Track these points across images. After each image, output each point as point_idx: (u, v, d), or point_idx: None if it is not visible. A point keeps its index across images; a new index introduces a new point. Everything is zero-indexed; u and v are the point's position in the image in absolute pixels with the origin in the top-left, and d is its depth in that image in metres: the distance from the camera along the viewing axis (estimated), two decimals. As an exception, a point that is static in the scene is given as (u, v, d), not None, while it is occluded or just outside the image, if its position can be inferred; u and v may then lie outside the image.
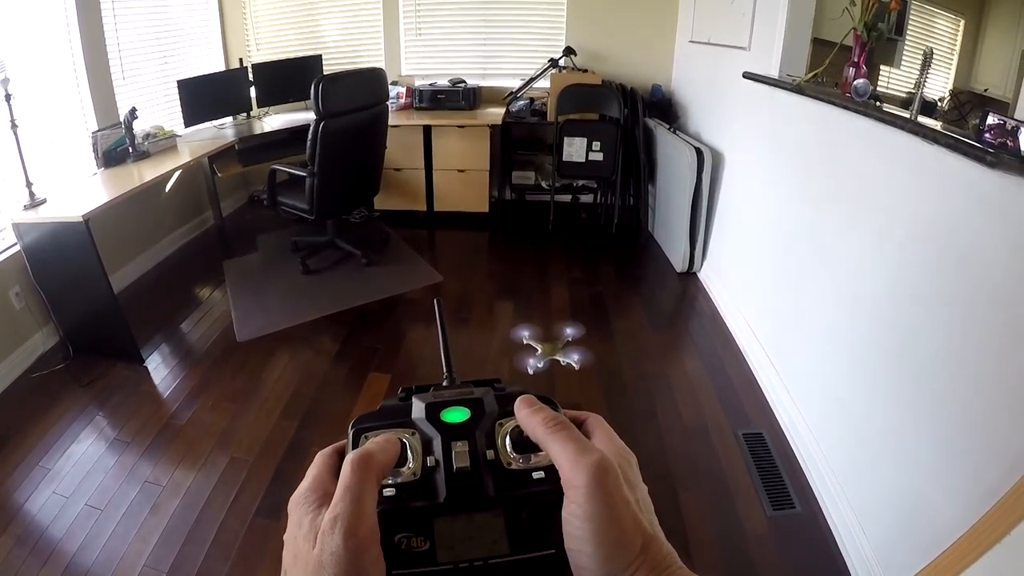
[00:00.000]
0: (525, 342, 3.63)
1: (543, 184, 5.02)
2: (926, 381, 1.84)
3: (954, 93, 3.05)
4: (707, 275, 4.04)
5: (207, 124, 4.50)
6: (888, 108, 2.20)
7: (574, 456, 0.35)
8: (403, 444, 0.39)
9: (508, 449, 0.39)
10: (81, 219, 2.81)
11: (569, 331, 3.74)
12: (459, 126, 4.71)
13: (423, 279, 4.11)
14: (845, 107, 2.35)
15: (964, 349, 1.69)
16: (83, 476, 2.45)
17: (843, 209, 2.41)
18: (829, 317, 2.46)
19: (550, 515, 0.36)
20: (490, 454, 0.39)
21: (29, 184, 2.93)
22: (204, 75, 4.46)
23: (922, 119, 1.98)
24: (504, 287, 4.10)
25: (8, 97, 2.81)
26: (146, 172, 3.52)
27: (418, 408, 0.42)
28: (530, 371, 3.32)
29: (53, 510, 2.29)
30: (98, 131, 3.57)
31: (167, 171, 3.61)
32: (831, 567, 2.10)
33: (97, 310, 3.11)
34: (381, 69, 3.99)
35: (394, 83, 4.94)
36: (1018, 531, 1.33)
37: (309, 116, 3.71)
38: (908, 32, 2.79)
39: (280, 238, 4.68)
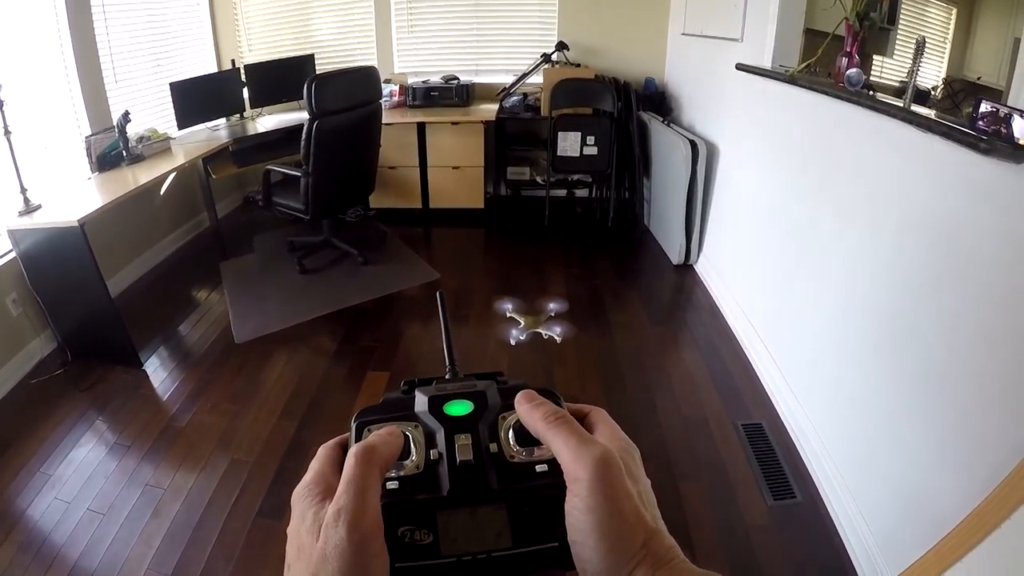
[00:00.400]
0: (508, 315, 3.66)
1: (538, 179, 5.02)
2: (923, 368, 1.84)
3: (947, 82, 3.06)
4: (703, 267, 4.05)
5: (201, 126, 4.48)
6: (881, 97, 2.20)
7: (576, 450, 0.35)
8: (406, 437, 0.39)
9: (511, 442, 0.39)
10: (77, 224, 2.81)
11: (552, 305, 3.78)
12: (453, 123, 4.71)
13: (420, 277, 4.11)
14: (838, 97, 2.35)
15: (960, 336, 1.69)
16: (84, 481, 2.45)
17: (837, 198, 2.41)
18: (826, 307, 2.47)
19: (553, 508, 0.36)
20: (493, 447, 0.39)
21: (24, 190, 2.93)
22: (197, 77, 4.45)
23: (915, 108, 1.98)
24: (501, 283, 4.10)
25: (0, 103, 2.80)
26: (140, 175, 3.52)
27: (421, 401, 0.42)
28: (512, 342, 3.38)
29: (55, 516, 2.29)
30: (91, 135, 3.56)
31: (162, 174, 3.61)
32: (832, 555, 2.11)
33: (94, 315, 3.11)
34: (374, 67, 3.98)
35: (387, 81, 4.93)
36: (1018, 515, 1.34)
37: (303, 116, 3.70)
38: (901, 21, 2.79)
39: (276, 239, 4.67)
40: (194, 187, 4.69)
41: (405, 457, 0.38)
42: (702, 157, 3.83)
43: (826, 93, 2.45)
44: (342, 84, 3.71)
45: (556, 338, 3.41)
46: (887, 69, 3.00)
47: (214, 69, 5.11)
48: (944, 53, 3.12)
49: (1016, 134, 1.46)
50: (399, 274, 4.14)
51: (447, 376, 0.48)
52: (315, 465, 0.39)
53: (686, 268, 4.19)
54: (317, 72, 4.75)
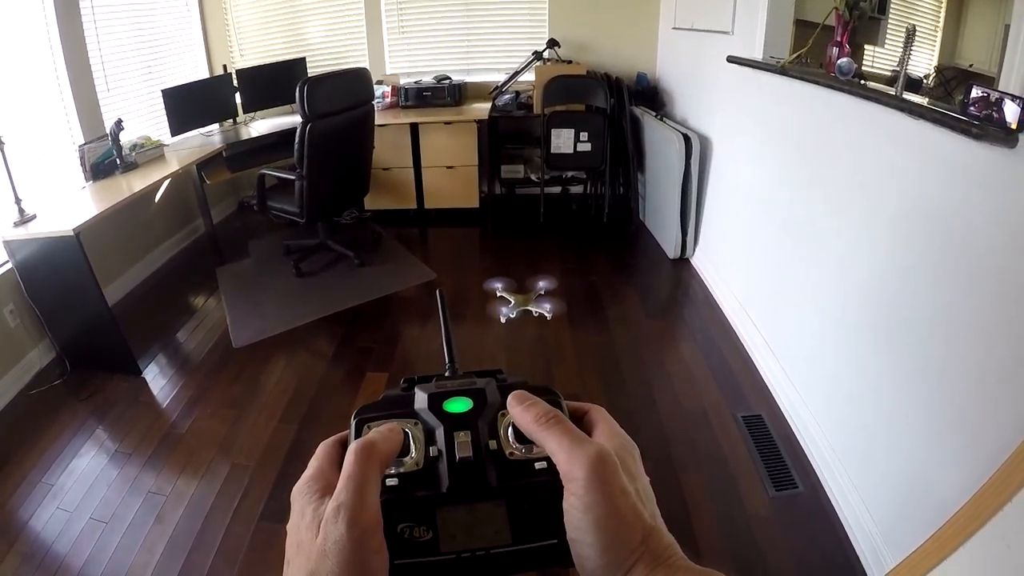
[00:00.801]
0: (498, 294, 3.68)
1: (532, 177, 5.02)
2: (921, 355, 1.85)
3: (939, 70, 3.06)
4: (700, 261, 4.05)
5: (194, 132, 4.48)
6: (873, 86, 2.20)
7: (569, 449, 0.36)
8: (406, 434, 0.39)
9: (510, 439, 0.39)
10: (72, 233, 2.80)
11: (542, 283, 3.80)
12: (446, 123, 4.71)
13: (416, 277, 4.11)
14: (830, 86, 2.35)
15: (957, 322, 1.70)
16: (86, 490, 2.45)
17: (832, 188, 2.42)
18: (823, 296, 2.47)
19: (552, 505, 0.36)
20: (492, 444, 0.39)
21: (18, 200, 2.92)
22: (188, 83, 4.44)
23: (907, 95, 1.99)
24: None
25: (-8, 114, 2.80)
26: (135, 183, 3.51)
27: (421, 398, 0.42)
28: (502, 319, 3.39)
29: (58, 525, 2.29)
30: (85, 144, 3.55)
31: (156, 181, 3.59)
32: (835, 544, 2.12)
33: (92, 324, 3.10)
34: (365, 69, 3.98)
35: (379, 82, 4.93)
36: (1019, 498, 1.34)
37: (295, 119, 3.70)
38: (891, 11, 2.79)
39: (272, 243, 4.67)
40: (189, 193, 4.69)
41: (405, 454, 0.38)
42: (696, 151, 3.84)
43: (817, 83, 2.45)
44: (334, 86, 3.71)
45: (546, 315, 3.46)
46: (879, 58, 3.00)
47: (206, 75, 5.11)
48: (935, 41, 3.12)
49: (1008, 118, 1.47)
50: (395, 275, 4.14)
51: (447, 374, 0.48)
52: (315, 462, 0.39)
53: (682, 262, 4.19)
54: (309, 75, 4.73)
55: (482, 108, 4.82)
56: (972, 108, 1.59)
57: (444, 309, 0.56)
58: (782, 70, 2.74)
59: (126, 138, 3.74)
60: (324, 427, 2.73)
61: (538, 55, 4.82)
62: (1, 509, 2.37)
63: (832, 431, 2.35)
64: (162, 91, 4.15)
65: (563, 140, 4.54)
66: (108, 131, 3.60)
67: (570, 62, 4.84)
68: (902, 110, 1.90)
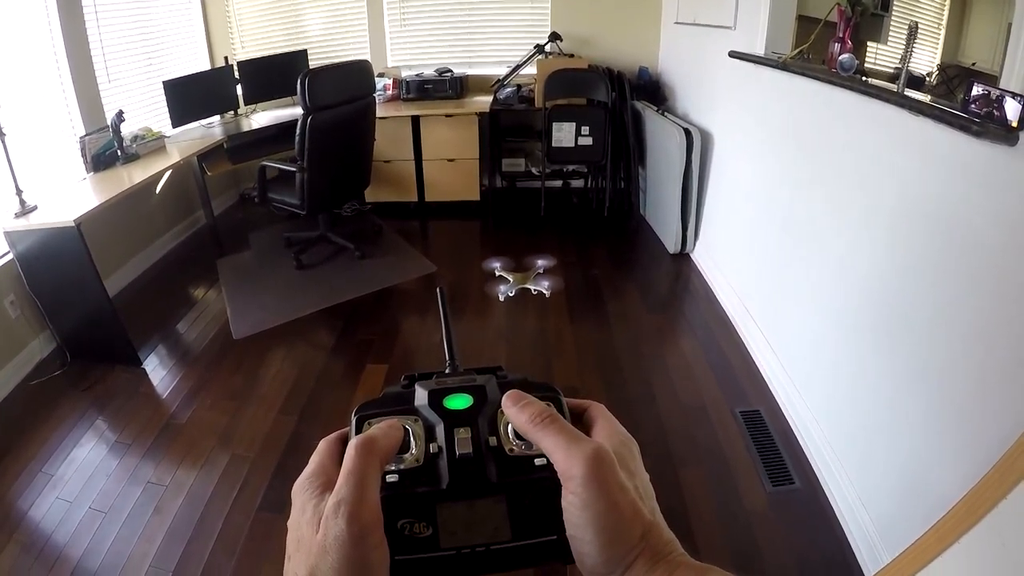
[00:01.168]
0: (497, 273, 3.69)
1: (533, 171, 5.01)
2: (920, 353, 1.85)
3: (942, 68, 3.05)
4: (700, 255, 4.05)
5: (195, 124, 4.48)
6: (874, 82, 2.20)
7: (566, 448, 0.36)
8: (406, 430, 0.39)
9: (510, 436, 0.39)
10: (73, 224, 2.81)
11: (540, 262, 3.81)
12: (447, 115, 4.70)
13: (416, 270, 4.11)
14: (831, 82, 2.35)
15: (955, 318, 1.70)
16: (86, 480, 2.46)
17: (832, 184, 2.41)
18: (822, 293, 2.48)
19: (552, 501, 0.36)
20: (492, 441, 0.39)
21: (19, 192, 2.92)
22: (189, 75, 4.44)
23: (909, 92, 1.99)
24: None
25: (-7, 104, 2.80)
26: (136, 174, 3.51)
27: (421, 395, 0.42)
28: (501, 298, 3.42)
29: (57, 515, 2.30)
30: (86, 135, 3.55)
31: (157, 172, 3.60)
32: (832, 540, 2.12)
33: (93, 315, 3.11)
34: (367, 61, 3.98)
35: (380, 75, 4.92)
36: (1015, 494, 1.34)
37: (297, 111, 3.70)
38: (894, 7, 2.79)
39: (272, 235, 4.67)
40: (190, 185, 4.69)
41: (405, 450, 0.38)
42: (697, 145, 3.83)
43: (819, 79, 2.45)
44: (335, 79, 3.71)
45: (545, 292, 3.49)
46: (881, 55, 2.99)
47: (207, 66, 5.10)
48: (938, 39, 3.11)
49: (1008, 116, 1.47)
50: (396, 267, 4.14)
51: (447, 370, 0.48)
52: (315, 458, 0.39)
53: (682, 257, 4.19)
54: (310, 67, 4.73)
55: (483, 101, 4.82)
56: (973, 106, 1.59)
57: (444, 306, 0.56)
58: (784, 66, 2.74)
59: (127, 129, 3.74)
60: (324, 419, 2.74)
61: (540, 48, 4.82)
62: (1, 499, 2.38)
63: (830, 428, 2.36)
64: (163, 82, 4.15)
65: (564, 134, 4.53)
66: (109, 122, 3.60)
67: (572, 56, 4.83)
68: (903, 107, 1.90)
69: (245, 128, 4.58)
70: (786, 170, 2.84)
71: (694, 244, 4.15)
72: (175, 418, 2.80)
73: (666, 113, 4.34)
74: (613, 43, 5.07)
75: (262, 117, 4.84)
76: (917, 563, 1.60)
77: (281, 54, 4.98)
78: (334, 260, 4.26)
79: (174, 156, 3.88)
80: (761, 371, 2.95)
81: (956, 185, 1.71)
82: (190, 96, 4.34)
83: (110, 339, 3.16)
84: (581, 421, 0.42)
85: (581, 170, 5.08)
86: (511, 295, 3.53)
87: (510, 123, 5.07)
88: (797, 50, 2.77)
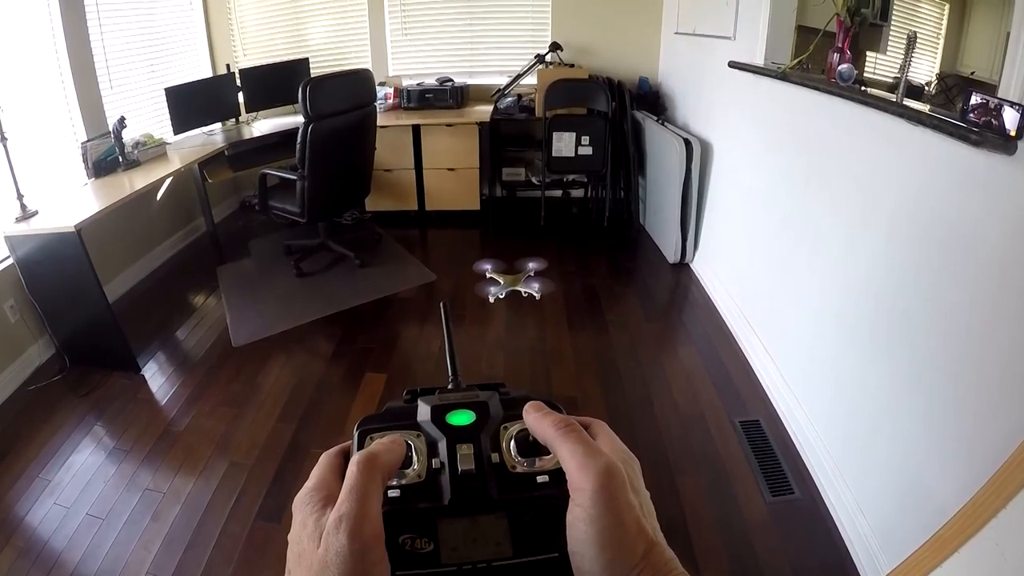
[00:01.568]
0: (488, 275, 3.69)
1: (533, 180, 5.03)
2: (919, 362, 1.85)
3: (941, 77, 3.06)
4: (699, 265, 4.06)
5: (196, 131, 4.48)
6: (873, 92, 2.21)
7: (583, 459, 0.36)
8: (408, 446, 0.39)
9: (513, 452, 0.39)
10: (73, 229, 2.81)
11: (531, 265, 3.81)
12: (448, 125, 4.71)
13: (416, 279, 4.11)
14: (830, 92, 2.36)
15: (954, 327, 1.70)
16: (83, 486, 2.45)
17: (831, 194, 2.42)
18: (821, 302, 2.48)
19: (554, 519, 0.36)
20: (495, 457, 0.39)
21: (20, 196, 2.93)
22: (191, 82, 4.45)
23: (908, 102, 1.99)
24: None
25: (-5, 110, 2.81)
26: (137, 181, 3.52)
27: (424, 410, 0.42)
28: (491, 299, 3.42)
29: (55, 521, 2.29)
30: (87, 141, 3.56)
31: (158, 179, 3.61)
32: (832, 550, 2.11)
33: (92, 320, 3.10)
34: (368, 70, 4.00)
35: (381, 84, 4.94)
36: (1014, 503, 1.34)
37: (298, 120, 3.71)
38: (893, 17, 2.79)
39: (273, 242, 4.67)
40: (190, 192, 4.70)
41: (407, 466, 0.38)
42: (696, 155, 3.84)
43: (818, 89, 2.46)
44: (336, 87, 3.72)
45: (535, 295, 3.50)
46: (880, 65, 3.00)
47: (209, 74, 5.12)
48: (937, 49, 3.12)
49: (1007, 125, 1.47)
50: (396, 276, 4.14)
51: (450, 386, 0.49)
52: (317, 472, 0.39)
53: (682, 266, 4.19)
54: (312, 76, 4.74)
55: (484, 111, 4.84)
56: (971, 115, 1.59)
57: (448, 322, 0.56)
58: (783, 76, 2.75)
59: (129, 136, 3.75)
60: (323, 427, 2.74)
61: (540, 58, 4.84)
62: (-2, 504, 2.38)
63: (829, 437, 2.35)
64: (165, 89, 4.16)
65: (564, 143, 4.55)
66: (111, 128, 3.61)
67: (572, 66, 4.85)
68: (902, 116, 1.91)
69: (246, 136, 4.60)
70: (785, 180, 2.85)
71: (693, 254, 4.15)
72: (173, 425, 2.80)
73: (666, 123, 4.36)
74: (613, 53, 5.10)
75: (263, 125, 4.86)
76: (917, 573, 1.59)
77: (283, 62, 5.01)
78: (334, 268, 4.26)
79: (175, 163, 3.89)
80: (760, 380, 2.95)
81: (955, 194, 1.72)
82: (192, 103, 4.35)
83: (109, 345, 3.15)
84: None
85: (581, 180, 5.10)
86: (501, 297, 3.54)
87: (510, 132, 5.09)
88: (796, 60, 2.79)
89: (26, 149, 3.18)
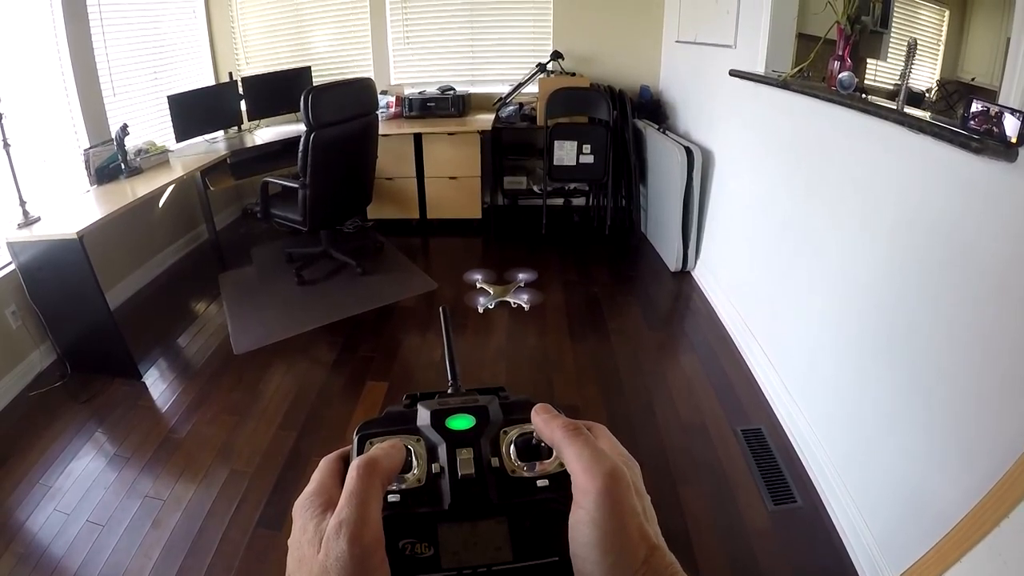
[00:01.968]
0: (478, 285, 3.69)
1: (535, 188, 5.03)
2: (920, 370, 1.85)
3: (941, 83, 3.07)
4: (701, 273, 4.06)
5: (198, 139, 4.50)
6: (873, 99, 2.21)
7: (588, 462, 0.36)
8: (408, 451, 0.39)
9: (513, 457, 0.39)
10: (75, 236, 2.82)
11: (522, 275, 3.81)
12: (449, 133, 4.72)
13: (418, 287, 4.11)
14: (831, 100, 2.36)
15: (955, 334, 1.70)
16: (84, 492, 2.45)
17: (832, 202, 2.42)
18: (823, 310, 2.47)
19: (554, 523, 0.36)
20: (495, 461, 0.39)
21: (23, 203, 2.94)
22: (194, 90, 4.47)
23: (908, 109, 1.99)
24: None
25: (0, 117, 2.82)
26: (139, 188, 3.53)
27: (423, 415, 0.42)
28: (480, 309, 3.43)
29: (55, 527, 2.29)
30: (90, 148, 3.57)
31: (160, 186, 3.62)
32: (834, 559, 2.11)
33: (94, 327, 3.11)
34: (370, 79, 4.01)
35: (383, 92, 4.95)
36: (1017, 512, 1.34)
37: (300, 128, 3.72)
38: (893, 25, 2.80)
39: (274, 250, 4.68)
40: (192, 199, 4.71)
41: (407, 470, 0.38)
42: (698, 164, 3.85)
43: (819, 97, 2.46)
44: (338, 96, 3.73)
45: (524, 306, 3.53)
46: (881, 72, 3.01)
47: (211, 82, 5.14)
48: (938, 55, 3.13)
49: (1008, 132, 1.47)
50: (397, 284, 4.14)
51: (449, 390, 0.48)
52: (317, 477, 0.39)
53: (683, 275, 4.19)
54: (314, 84, 4.76)
55: (485, 119, 4.85)
56: (972, 122, 1.60)
57: (447, 326, 0.56)
58: (784, 84, 2.75)
59: (131, 143, 3.76)
60: (323, 435, 2.73)
61: (542, 67, 4.85)
62: (-2, 511, 2.38)
63: (831, 445, 2.34)
64: (168, 97, 4.18)
65: (566, 152, 4.56)
66: (113, 136, 3.63)
67: (573, 74, 4.86)
68: (902, 124, 1.91)
69: (248, 144, 4.61)
70: (786, 188, 2.85)
71: (695, 262, 4.15)
72: (174, 432, 2.79)
73: (667, 131, 4.37)
74: (615, 62, 5.11)
75: (265, 133, 4.88)
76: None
77: (285, 70, 5.03)
78: (335, 276, 4.26)
79: (177, 170, 3.90)
80: (762, 388, 2.94)
81: (956, 202, 1.72)
82: (194, 111, 4.37)
83: (110, 351, 3.15)
84: None
85: (583, 188, 5.10)
86: (490, 307, 3.55)
87: (512, 141, 5.10)
88: (797, 68, 2.79)
89: (29, 156, 3.19)
